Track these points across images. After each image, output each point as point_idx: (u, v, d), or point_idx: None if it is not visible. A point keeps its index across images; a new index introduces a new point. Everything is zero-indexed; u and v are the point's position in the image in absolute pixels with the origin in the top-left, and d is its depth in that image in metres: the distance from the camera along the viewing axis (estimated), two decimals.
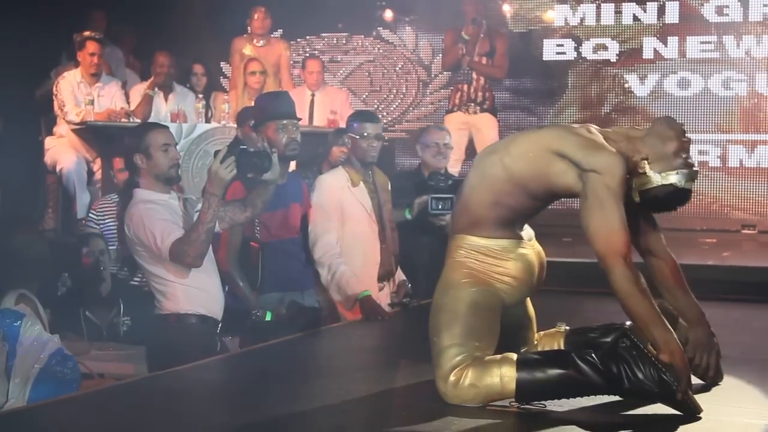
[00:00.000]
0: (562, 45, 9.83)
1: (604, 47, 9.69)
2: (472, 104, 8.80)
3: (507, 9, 10.02)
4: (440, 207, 5.59)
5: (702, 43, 9.37)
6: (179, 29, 9.41)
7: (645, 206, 3.40)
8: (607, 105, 9.70)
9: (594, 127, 3.39)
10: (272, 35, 9.25)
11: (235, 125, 6.44)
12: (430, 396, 3.32)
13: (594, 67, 9.75)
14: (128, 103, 8.26)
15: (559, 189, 3.31)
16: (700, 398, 3.16)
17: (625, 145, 3.34)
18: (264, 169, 4.58)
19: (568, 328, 3.71)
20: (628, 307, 3.15)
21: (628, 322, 3.35)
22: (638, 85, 9.57)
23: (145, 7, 9.30)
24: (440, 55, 9.78)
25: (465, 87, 8.82)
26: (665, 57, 9.49)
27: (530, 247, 3.43)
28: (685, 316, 3.52)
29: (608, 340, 3.46)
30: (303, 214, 5.29)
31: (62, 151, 8.00)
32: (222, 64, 10.15)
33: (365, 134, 5.38)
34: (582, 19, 9.76)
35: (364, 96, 10.54)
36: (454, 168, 8.58)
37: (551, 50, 9.87)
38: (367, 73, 10.60)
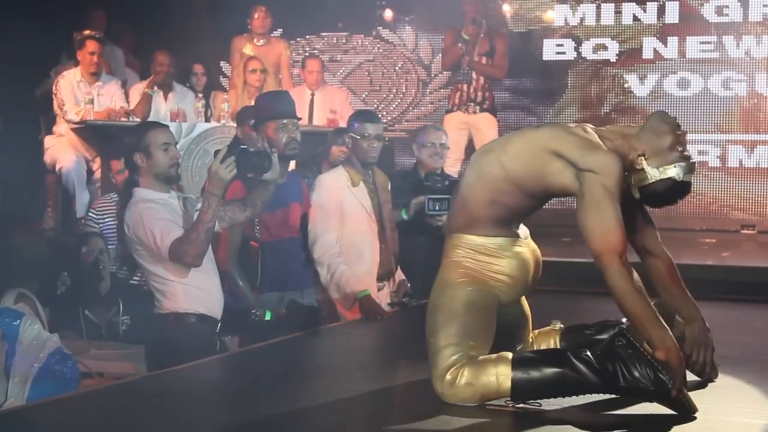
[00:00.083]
0: (561, 45, 9.83)
1: (604, 47, 9.69)
2: (472, 104, 8.80)
3: (507, 9, 10.02)
4: (437, 207, 5.57)
5: (702, 43, 9.37)
6: (179, 28, 9.41)
7: (645, 202, 3.41)
8: (607, 105, 9.70)
9: (590, 127, 3.40)
10: (272, 34, 9.25)
11: (235, 124, 6.44)
12: (428, 395, 3.32)
13: (594, 67, 9.75)
14: (128, 102, 8.27)
15: (555, 188, 3.32)
16: (700, 397, 3.16)
17: (620, 143, 3.34)
18: (264, 169, 4.58)
19: (563, 326, 3.72)
20: (624, 305, 3.15)
21: (624, 320, 3.36)
22: (638, 85, 9.58)
23: (145, 5, 9.30)
24: (440, 54, 9.78)
25: (465, 87, 8.82)
26: (665, 57, 9.49)
27: (526, 245, 3.44)
28: (682, 314, 3.54)
29: (604, 337, 3.48)
30: (303, 214, 5.30)
31: (62, 150, 8.00)
32: (221, 63, 10.16)
33: (366, 134, 5.37)
34: (582, 19, 9.76)
35: (364, 95, 10.54)
36: (453, 168, 8.59)
37: (551, 50, 9.87)
38: (366, 73, 10.60)
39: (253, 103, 6.50)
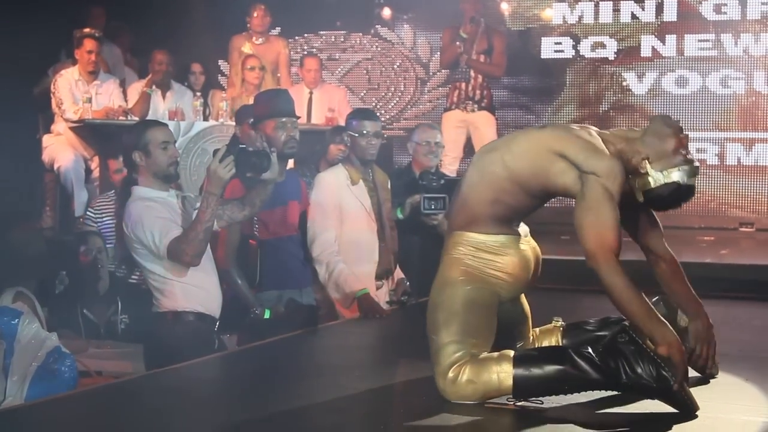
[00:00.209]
0: (560, 43, 9.83)
1: (602, 45, 9.69)
2: (470, 102, 8.79)
3: (505, 7, 10.03)
4: (433, 206, 5.55)
5: (700, 41, 9.38)
6: (177, 27, 9.41)
7: (649, 206, 3.42)
8: (605, 103, 9.71)
9: (594, 130, 3.41)
10: (271, 33, 9.25)
11: (233, 123, 6.44)
12: (427, 394, 3.33)
13: (592, 65, 9.76)
14: (126, 101, 8.26)
15: (557, 188, 3.32)
16: (698, 395, 3.16)
17: (623, 146, 3.35)
18: (263, 168, 4.58)
19: (563, 323, 3.72)
20: (621, 303, 3.16)
21: None
22: (636, 83, 9.58)
23: (144, 4, 9.30)
24: (438, 53, 9.77)
25: (463, 85, 8.82)
26: (663, 55, 9.50)
27: (527, 243, 3.46)
28: (686, 311, 3.56)
29: (605, 334, 3.48)
30: (302, 212, 5.29)
31: (60, 149, 8.00)
32: (220, 62, 10.15)
33: (364, 132, 5.37)
34: (580, 17, 9.76)
35: (362, 94, 10.54)
36: (452, 166, 8.61)
37: (549, 48, 9.87)
38: (365, 71, 10.60)
39: (251, 101, 6.50)
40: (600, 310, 3.89)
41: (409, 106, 10.47)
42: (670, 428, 3.03)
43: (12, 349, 4.22)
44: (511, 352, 3.27)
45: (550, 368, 3.17)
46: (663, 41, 9.48)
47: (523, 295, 3.60)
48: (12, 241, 5.08)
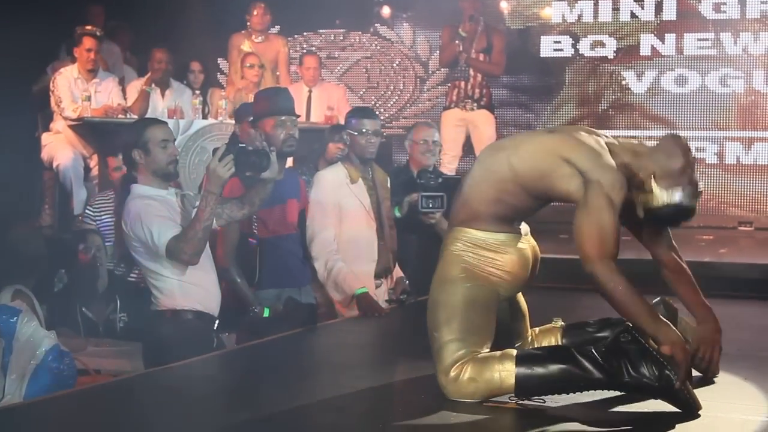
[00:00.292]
0: (559, 42, 9.83)
1: (602, 44, 9.69)
2: (470, 101, 8.79)
3: (504, 6, 10.02)
4: (431, 205, 5.54)
5: (699, 40, 9.38)
6: (176, 25, 9.40)
7: (648, 221, 3.42)
8: (605, 102, 9.70)
9: (603, 139, 3.39)
10: (270, 31, 9.25)
11: (233, 121, 6.43)
12: (427, 392, 3.33)
13: (591, 64, 9.75)
14: (125, 99, 8.26)
15: (560, 193, 3.32)
16: (697, 395, 3.16)
17: (630, 160, 3.35)
18: (262, 168, 4.58)
19: (564, 323, 3.72)
20: (623, 305, 3.17)
21: None
22: (635, 82, 9.58)
23: (143, 3, 9.29)
24: (437, 51, 9.77)
25: (462, 84, 8.81)
26: (662, 54, 9.49)
27: (526, 241, 3.46)
28: (694, 314, 3.58)
29: (606, 334, 3.49)
30: (301, 210, 5.29)
31: (59, 147, 8.00)
32: (219, 60, 10.14)
33: (363, 130, 5.37)
34: (579, 16, 9.76)
35: (362, 92, 10.54)
36: (451, 165, 8.61)
37: (548, 47, 9.87)
38: (364, 70, 10.59)
39: (251, 99, 6.50)
40: (599, 309, 3.89)
41: (408, 105, 10.46)
42: (671, 427, 3.03)
43: (10, 347, 4.21)
44: (514, 351, 3.28)
45: (553, 367, 3.18)
46: (662, 40, 9.48)
47: (520, 294, 3.61)
48: (11, 239, 5.07)
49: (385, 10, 10.53)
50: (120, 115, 7.80)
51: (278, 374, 3.88)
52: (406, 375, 3.70)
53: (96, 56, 8.10)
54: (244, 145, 4.73)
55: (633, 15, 9.58)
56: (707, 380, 3.54)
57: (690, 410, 3.11)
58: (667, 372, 3.08)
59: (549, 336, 3.69)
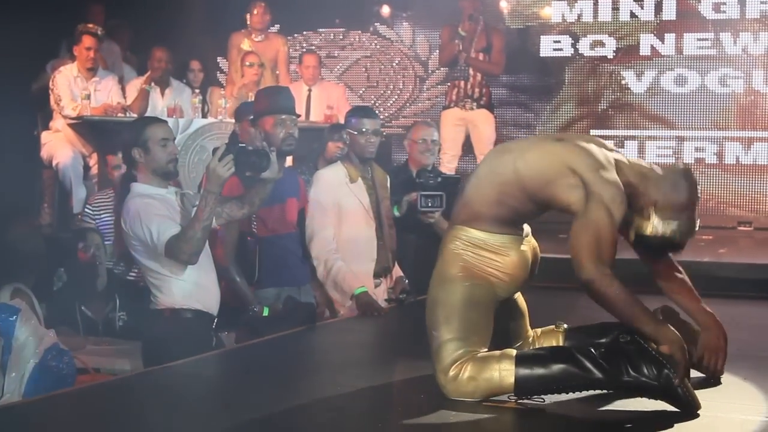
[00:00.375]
0: (559, 41, 9.83)
1: (601, 44, 9.69)
2: (469, 100, 8.78)
3: (504, 5, 10.03)
4: (430, 204, 5.53)
5: (699, 40, 9.38)
6: (176, 24, 9.40)
7: (637, 245, 3.40)
8: (604, 101, 9.70)
9: (612, 155, 3.36)
10: (269, 30, 9.24)
11: (232, 120, 6.43)
12: (426, 391, 3.33)
13: (591, 64, 9.76)
14: (125, 97, 8.25)
15: (560, 202, 3.31)
16: (697, 394, 3.16)
17: (636, 180, 3.32)
18: (262, 168, 4.58)
19: (567, 326, 3.71)
20: (620, 310, 3.18)
21: None
22: (635, 82, 9.58)
23: (143, 1, 9.28)
24: (437, 51, 9.77)
25: (462, 83, 8.81)
26: (662, 54, 9.50)
27: (527, 243, 3.45)
28: (698, 320, 3.56)
29: (608, 340, 3.47)
30: (300, 210, 5.29)
31: (58, 145, 8.00)
32: (219, 59, 10.14)
33: (363, 130, 5.36)
34: (579, 16, 9.76)
35: (361, 92, 10.54)
36: (450, 164, 8.60)
37: (548, 46, 9.87)
38: (364, 69, 10.59)
39: (250, 98, 6.49)
40: (599, 309, 3.89)
41: (407, 104, 10.46)
42: (670, 427, 3.03)
43: (10, 346, 4.21)
44: (513, 351, 3.28)
45: (553, 367, 3.18)
46: (662, 40, 9.48)
47: (519, 294, 3.60)
48: (10, 237, 5.06)
49: (385, 10, 10.53)
50: (119, 114, 7.79)
51: (277, 373, 3.88)
52: (406, 374, 3.70)
53: (96, 55, 8.09)
54: (244, 145, 4.73)
55: (633, 15, 9.58)
56: (706, 380, 3.53)
57: (689, 410, 3.10)
58: (667, 371, 3.08)
59: (551, 338, 3.68)
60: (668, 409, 3.12)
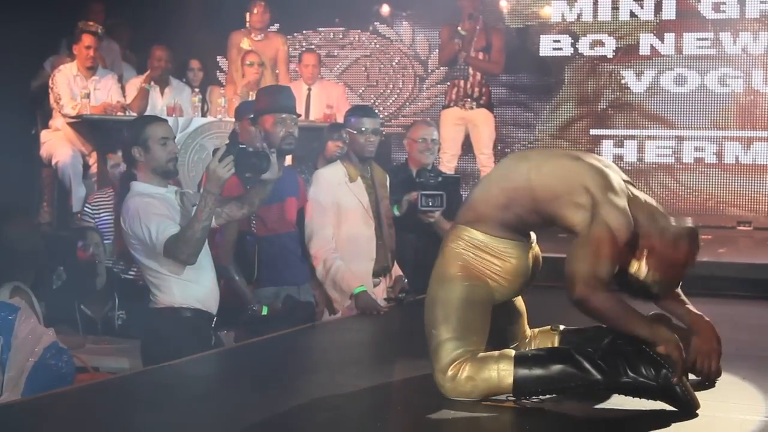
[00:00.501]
0: (558, 41, 9.84)
1: (601, 43, 9.69)
2: (469, 100, 8.78)
3: (504, 4, 10.03)
4: (429, 204, 5.52)
5: (699, 39, 9.39)
6: (176, 23, 9.40)
7: (616, 277, 3.37)
8: (604, 101, 9.71)
9: (626, 187, 3.33)
10: (269, 29, 9.24)
11: (232, 119, 6.43)
12: (424, 391, 3.32)
13: (591, 63, 9.76)
14: (124, 96, 8.25)
15: (565, 220, 3.29)
16: (696, 394, 3.16)
17: (643, 219, 3.29)
18: (262, 170, 4.57)
19: (564, 327, 3.71)
20: (614, 320, 3.19)
21: None
22: (635, 82, 9.58)
23: (142, 0, 9.28)
24: (437, 50, 9.77)
25: (461, 82, 8.81)
26: (662, 53, 9.50)
27: (530, 249, 3.44)
28: (688, 324, 3.52)
29: (605, 341, 3.47)
30: (299, 209, 5.29)
31: (58, 144, 7.99)
32: (218, 58, 10.14)
33: (363, 129, 5.36)
34: (579, 15, 9.76)
35: (361, 91, 10.54)
36: (450, 163, 8.60)
37: (548, 46, 9.88)
38: (363, 68, 10.60)
39: (250, 97, 6.49)
40: None
41: (407, 104, 10.47)
42: (669, 426, 3.03)
43: (9, 344, 4.20)
44: (512, 351, 3.28)
45: (552, 367, 3.18)
46: (662, 39, 9.49)
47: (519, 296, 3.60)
48: (9, 236, 5.05)
49: (385, 9, 10.53)
50: (119, 113, 7.79)
51: (276, 372, 3.88)
52: (404, 374, 3.70)
53: (95, 54, 8.09)
54: (244, 146, 4.72)
55: (632, 14, 9.59)
56: (701, 388, 3.52)
57: (688, 410, 3.11)
58: (665, 371, 3.09)
59: (547, 338, 3.67)
60: (667, 409, 3.12)
